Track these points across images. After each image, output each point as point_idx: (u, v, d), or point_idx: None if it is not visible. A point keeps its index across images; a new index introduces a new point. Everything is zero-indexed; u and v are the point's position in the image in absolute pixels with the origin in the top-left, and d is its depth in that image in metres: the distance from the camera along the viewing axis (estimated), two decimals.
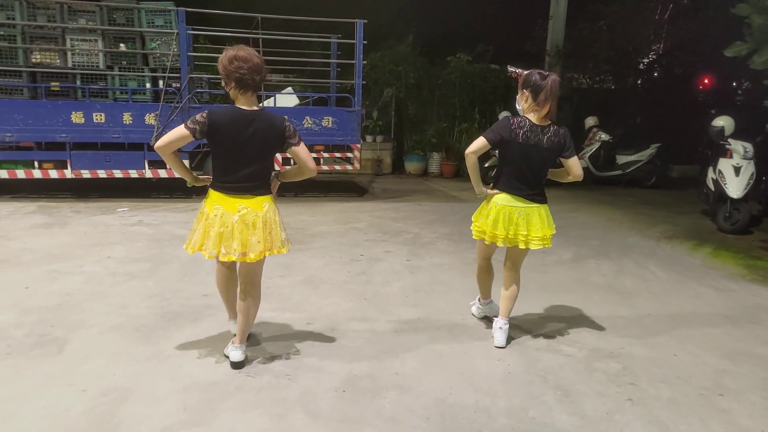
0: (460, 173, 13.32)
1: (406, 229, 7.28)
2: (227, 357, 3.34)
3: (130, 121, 8.25)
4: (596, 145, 11.95)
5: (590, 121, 12.26)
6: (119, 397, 2.90)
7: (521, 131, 3.49)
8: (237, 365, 3.28)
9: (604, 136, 11.92)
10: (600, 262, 5.96)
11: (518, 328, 4.08)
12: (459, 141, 13.23)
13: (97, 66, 8.40)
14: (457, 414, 2.90)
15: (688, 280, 5.44)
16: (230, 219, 3.07)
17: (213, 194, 3.15)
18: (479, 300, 4.22)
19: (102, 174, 8.34)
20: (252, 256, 3.09)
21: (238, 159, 3.09)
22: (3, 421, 2.65)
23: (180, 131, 3.01)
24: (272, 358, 3.45)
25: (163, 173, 8.65)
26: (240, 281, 3.34)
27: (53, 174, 8.20)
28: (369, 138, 13.23)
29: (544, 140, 3.51)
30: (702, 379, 3.39)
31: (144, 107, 8.37)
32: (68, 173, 8.20)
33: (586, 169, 12.04)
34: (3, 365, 3.21)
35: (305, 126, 8.96)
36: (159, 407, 2.83)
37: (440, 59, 13.76)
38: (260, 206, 3.14)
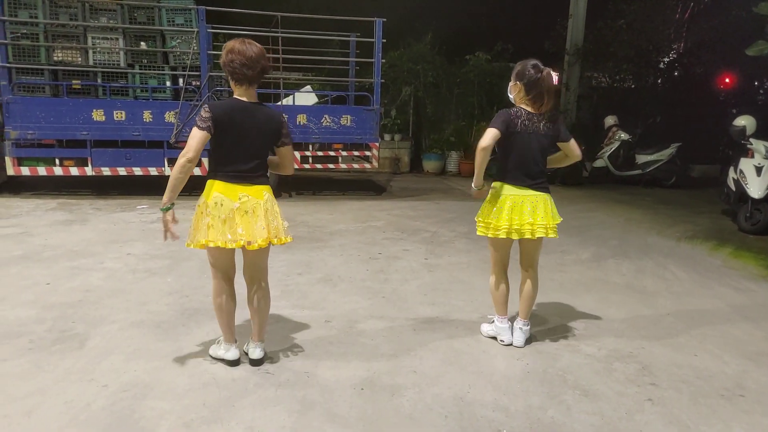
0: None
1: (424, 228, 7.27)
2: (246, 353, 3.36)
3: (150, 119, 8.34)
4: (615, 145, 11.83)
5: (609, 120, 12.14)
6: (139, 393, 2.93)
7: (519, 121, 3.48)
8: (256, 362, 3.29)
9: (624, 136, 11.79)
10: (619, 262, 5.89)
11: (537, 327, 4.05)
12: (477, 140, 13.15)
13: (118, 64, 8.51)
14: (475, 412, 2.88)
15: (708, 281, 5.36)
16: (231, 206, 3.06)
17: (215, 184, 3.11)
18: (497, 319, 3.81)
19: (122, 171, 8.44)
20: (259, 242, 3.08)
21: (240, 148, 3.10)
22: (26, 415, 2.68)
23: (200, 135, 2.99)
24: (291, 355, 3.45)
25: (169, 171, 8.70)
26: (248, 279, 3.32)
27: (74, 171, 8.31)
28: (387, 136, 13.23)
29: (541, 127, 3.50)
30: (723, 380, 3.33)
31: (164, 105, 8.46)
32: (89, 170, 8.30)
33: (605, 169, 11.94)
34: (25, 360, 3.25)
35: (324, 124, 8.99)
36: (179, 403, 2.85)
37: (459, 58, 13.72)
38: (261, 195, 3.15)
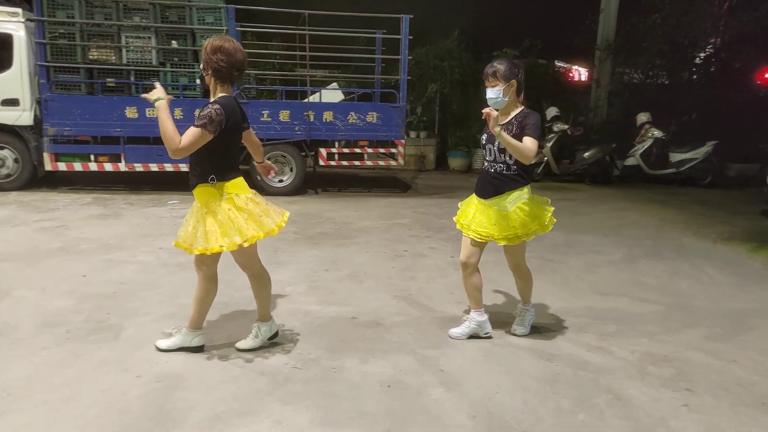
0: None
1: (450, 226, 7.17)
2: (240, 349, 3.44)
3: (181, 117, 8.45)
4: (648, 142, 11.58)
5: (642, 117, 11.87)
6: (172, 384, 2.98)
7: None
8: (276, 335, 3.50)
9: (657, 133, 11.54)
10: (653, 263, 5.77)
11: (568, 328, 4.00)
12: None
13: (150, 62, 8.64)
14: (504, 414, 2.86)
15: (747, 284, 5.21)
16: (257, 198, 3.23)
17: (230, 186, 3.13)
18: (475, 313, 3.80)
19: (154, 167, 8.58)
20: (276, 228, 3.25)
21: (237, 145, 3.28)
22: (65, 402, 2.76)
23: (203, 137, 2.93)
24: (318, 351, 3.47)
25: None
26: (251, 271, 3.47)
27: (108, 167, 8.49)
28: (413, 134, 13.18)
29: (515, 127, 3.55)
30: (764, 388, 3.23)
31: (194, 103, 8.56)
32: (122, 166, 8.47)
33: (637, 167, 11.70)
34: (63, 349, 3.34)
35: (350, 122, 9.01)
36: (210, 395, 2.89)
37: (486, 54, 13.58)
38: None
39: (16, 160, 8.53)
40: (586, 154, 11.68)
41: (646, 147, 11.61)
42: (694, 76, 13.88)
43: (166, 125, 2.88)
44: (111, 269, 4.89)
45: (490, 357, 3.50)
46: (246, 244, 3.11)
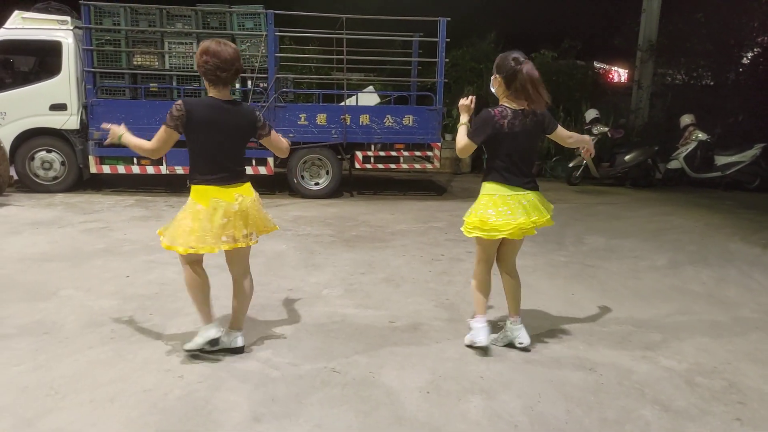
0: (542, 173, 12.97)
1: None
2: (224, 345, 3.38)
3: None
4: (692, 145, 11.24)
5: (686, 119, 11.54)
6: (212, 385, 3.01)
7: (506, 121, 3.32)
8: (240, 350, 3.38)
9: (702, 135, 11.20)
10: (699, 269, 5.59)
11: (610, 336, 3.90)
12: (541, 140, 12.87)
13: (192, 68, 8.80)
14: (547, 423, 2.80)
15: None
16: (231, 209, 3.11)
17: (206, 189, 3.11)
18: (475, 320, 3.62)
19: None
20: (256, 240, 3.27)
21: (220, 148, 3.13)
22: (109, 401, 2.82)
23: (166, 133, 3.05)
24: (356, 355, 3.46)
25: (248, 170, 8.94)
26: (234, 270, 3.43)
27: (150, 170, 8.68)
28: (448, 136, 13.10)
29: (528, 123, 3.36)
30: None
31: None
32: (163, 169, 8.65)
33: (680, 171, 11.39)
34: (108, 348, 3.41)
35: (386, 125, 9.00)
36: (249, 397, 2.91)
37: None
38: (250, 191, 3.26)
39: (62, 163, 8.80)
40: (627, 157, 11.42)
41: (690, 150, 11.27)
42: (741, 77, 13.44)
43: (135, 144, 3.18)
44: (153, 270, 4.99)
45: (531, 364, 3.43)
46: (174, 249, 3.13)
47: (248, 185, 3.28)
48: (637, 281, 5.20)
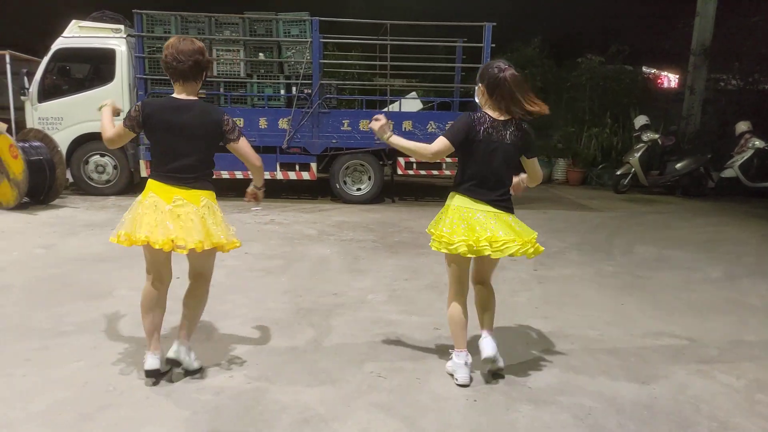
0: (587, 180, 12.74)
1: None
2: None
3: (265, 126, 8.75)
4: (749, 153, 10.85)
5: (742, 126, 11.15)
6: (262, 386, 3.05)
7: (482, 128, 3.07)
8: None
9: (759, 143, 10.80)
10: (756, 282, 5.37)
11: (664, 350, 3.77)
12: (587, 147, 12.65)
13: (238, 74, 8.99)
14: None
15: None
16: (163, 207, 2.95)
17: (150, 183, 3.04)
18: (454, 354, 3.27)
19: (239, 175, 8.91)
20: (189, 246, 2.93)
21: (173, 147, 3.00)
22: (164, 399, 2.89)
23: (123, 130, 3.04)
24: (401, 360, 3.45)
25: (292, 175, 9.07)
26: (190, 281, 3.26)
27: None
28: None
29: (507, 136, 3.09)
30: None
31: (278, 112, 8.84)
32: None
33: (735, 180, 10.99)
34: (162, 348, 3.48)
35: (429, 131, 8.99)
36: (298, 399, 2.93)
37: (569, 61, 13.23)
38: (197, 200, 3.02)
39: (115, 167, 9.11)
40: (678, 165, 11.11)
41: (746, 158, 10.88)
42: None
43: (103, 121, 3.10)
44: None
45: (581, 375, 3.35)
46: (121, 242, 3.00)
47: (197, 192, 3.03)
48: (690, 293, 5.04)
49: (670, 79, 16.89)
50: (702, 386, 3.27)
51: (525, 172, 3.38)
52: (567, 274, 5.46)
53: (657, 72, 16.09)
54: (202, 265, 3.24)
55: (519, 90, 3.03)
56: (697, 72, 13.18)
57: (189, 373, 3.13)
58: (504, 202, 3.19)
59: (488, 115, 3.12)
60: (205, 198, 3.06)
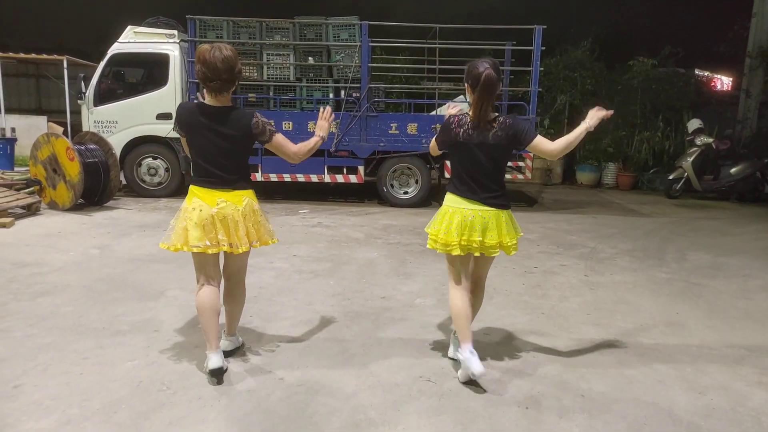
0: (638, 185, 12.43)
1: (581, 243, 6.92)
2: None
3: (313, 129, 8.83)
4: None
5: None
6: (311, 389, 3.08)
7: (462, 130, 3.11)
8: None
9: None
10: None
11: (721, 359, 3.65)
12: (639, 151, 12.32)
13: (288, 78, 9.14)
14: None
15: None
16: (208, 211, 3.07)
17: (193, 189, 3.16)
18: (462, 347, 3.19)
19: (287, 178, 9.05)
20: (242, 248, 3.11)
21: (209, 152, 3.10)
22: (216, 400, 2.94)
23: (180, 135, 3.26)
24: (452, 366, 3.43)
25: (339, 178, 9.14)
26: (226, 282, 3.36)
27: None
28: None
29: (489, 136, 3.08)
30: None
31: None
32: (258, 176, 9.00)
33: None
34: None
35: None
36: (348, 402, 2.95)
37: (620, 63, 12.93)
38: (239, 200, 3.14)
39: (167, 170, 9.38)
40: (733, 170, 10.72)
41: None
42: None
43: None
44: (251, 274, 5.08)
45: (635, 385, 3.27)
46: (165, 246, 3.17)
47: (239, 193, 3.16)
48: (748, 301, 4.85)
49: (723, 82, 16.30)
50: (762, 398, 3.15)
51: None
52: (619, 281, 5.34)
53: (710, 75, 15.56)
54: (238, 265, 3.35)
55: (489, 89, 3.03)
56: (754, 74, 12.69)
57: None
58: (495, 199, 3.20)
59: (469, 114, 3.14)
60: (246, 197, 3.19)
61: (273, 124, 3.22)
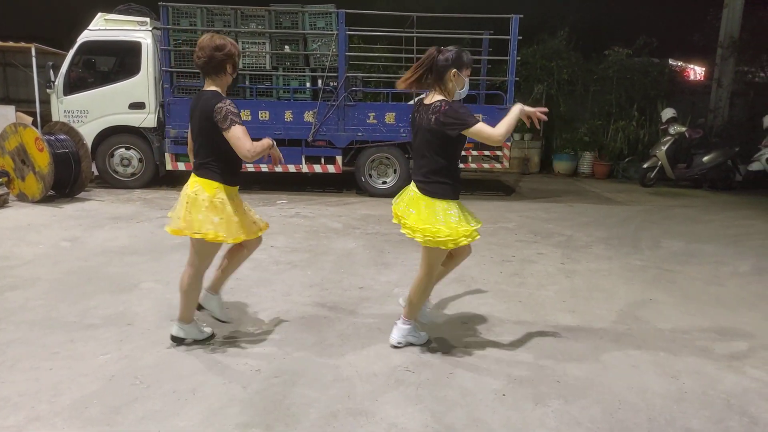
0: (614, 174, 12.58)
1: (558, 231, 6.98)
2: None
3: (291, 119, 8.77)
4: None
5: None
6: (289, 380, 3.06)
7: (415, 114, 3.32)
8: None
9: None
10: None
11: (693, 344, 3.72)
12: (614, 140, 12.47)
13: (264, 67, 9.02)
14: (628, 431, 2.69)
15: None
16: (184, 191, 3.26)
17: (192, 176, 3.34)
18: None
19: (264, 168, 8.96)
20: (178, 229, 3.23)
21: (193, 137, 3.30)
22: (191, 392, 2.91)
23: None
24: (430, 355, 3.44)
25: (317, 168, 9.08)
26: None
27: None
28: (516, 136, 12.90)
29: (425, 120, 3.17)
30: None
31: (304, 105, 8.85)
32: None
33: (762, 173, 10.79)
34: (187, 341, 3.52)
35: None
36: (325, 393, 2.94)
37: (596, 53, 13.04)
38: (191, 185, 3.26)
39: (140, 160, 9.21)
40: (705, 158, 10.91)
41: None
42: None
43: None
44: None
45: (609, 371, 3.31)
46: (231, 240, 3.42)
47: (195, 179, 3.24)
48: (719, 288, 4.95)
49: (696, 72, 16.56)
50: (733, 381, 3.22)
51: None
52: (594, 268, 5.40)
53: (684, 65, 15.79)
54: (192, 246, 3.41)
55: (436, 72, 3.19)
56: (725, 64, 12.91)
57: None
58: (422, 184, 3.27)
59: (423, 99, 3.27)
60: (197, 185, 3.22)
61: (241, 116, 3.12)
